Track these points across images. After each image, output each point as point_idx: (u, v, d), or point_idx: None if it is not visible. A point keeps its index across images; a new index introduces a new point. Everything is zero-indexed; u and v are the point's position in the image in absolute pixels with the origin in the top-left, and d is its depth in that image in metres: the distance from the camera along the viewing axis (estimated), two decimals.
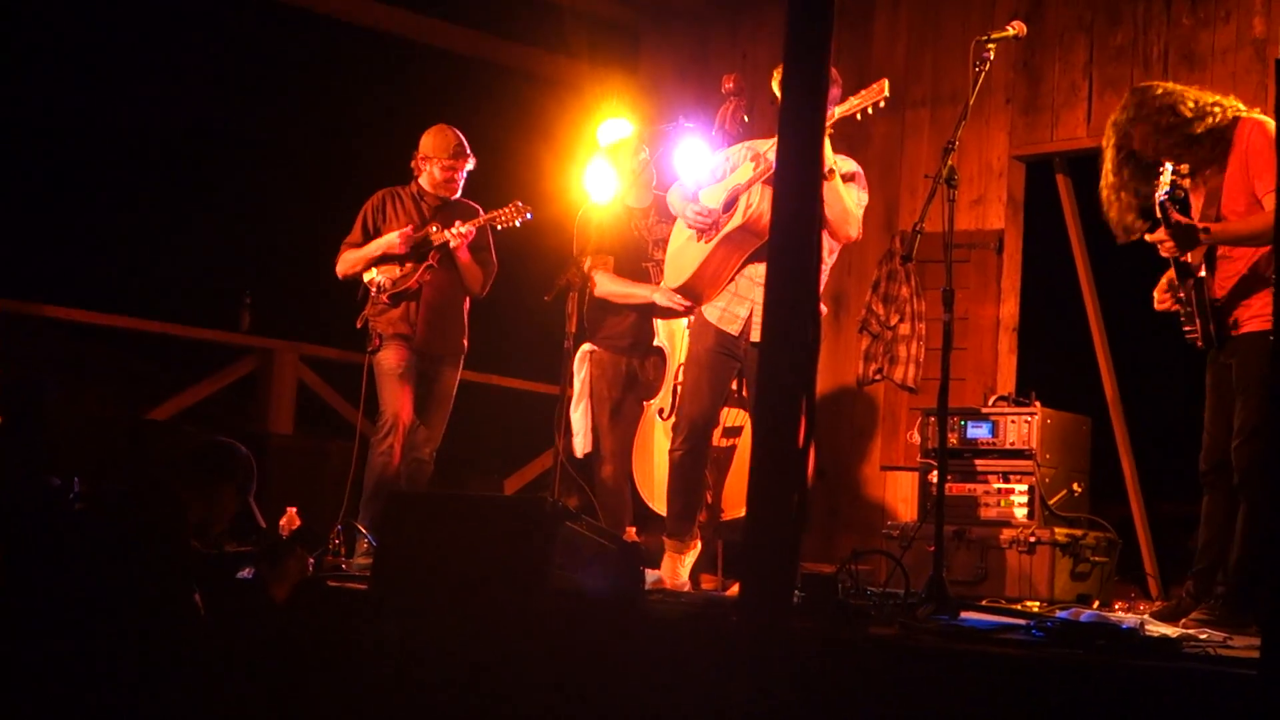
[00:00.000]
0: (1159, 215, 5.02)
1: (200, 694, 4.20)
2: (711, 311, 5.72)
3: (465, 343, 6.78)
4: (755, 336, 5.59)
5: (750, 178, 5.59)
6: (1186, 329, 5.17)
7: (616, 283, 6.53)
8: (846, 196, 5.51)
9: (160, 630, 4.19)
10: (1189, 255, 5.07)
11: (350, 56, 8.94)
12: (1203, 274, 5.06)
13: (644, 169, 6.69)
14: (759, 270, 5.60)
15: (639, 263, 6.56)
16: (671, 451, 5.83)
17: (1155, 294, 5.31)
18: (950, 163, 4.97)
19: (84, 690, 4.12)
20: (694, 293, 5.79)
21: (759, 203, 5.52)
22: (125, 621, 4.18)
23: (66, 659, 4.14)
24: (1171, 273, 5.15)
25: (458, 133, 6.72)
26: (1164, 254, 5.06)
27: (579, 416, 6.63)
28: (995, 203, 7.92)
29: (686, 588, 5.72)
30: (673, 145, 6.67)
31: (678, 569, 5.76)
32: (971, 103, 5.10)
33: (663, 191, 6.61)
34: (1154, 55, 7.24)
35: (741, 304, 5.65)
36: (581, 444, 6.62)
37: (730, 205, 5.66)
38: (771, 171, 5.55)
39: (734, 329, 5.65)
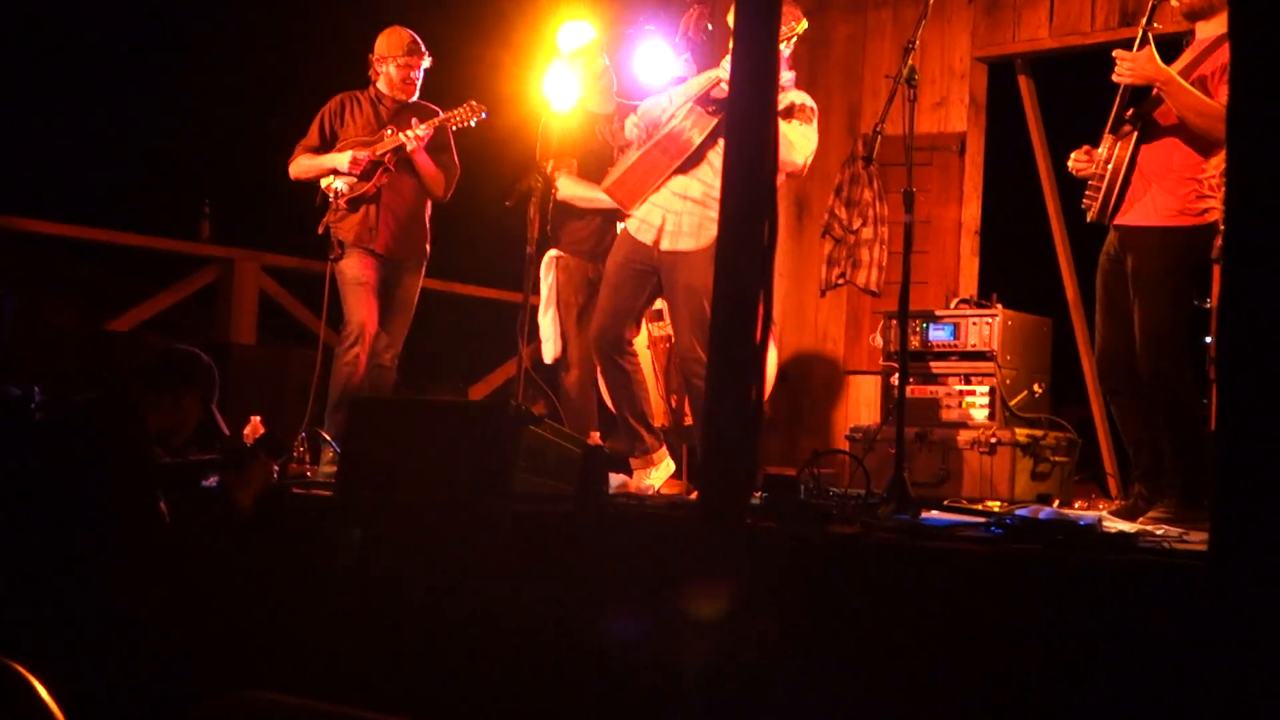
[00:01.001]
0: (1140, 35, 4.98)
1: (165, 601, 4.22)
2: (631, 223, 5.80)
3: (427, 248, 6.75)
4: (666, 244, 5.65)
5: (699, 87, 5.62)
6: (1087, 195, 5.14)
7: (579, 185, 6.53)
8: (784, 129, 5.50)
9: (125, 537, 4.20)
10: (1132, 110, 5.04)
11: None
12: (1130, 134, 5.03)
13: (606, 74, 6.65)
14: (681, 182, 5.68)
15: (602, 168, 6.53)
16: (600, 371, 5.91)
17: (1074, 154, 5.28)
18: (911, 62, 4.95)
19: (48, 598, 4.13)
20: (618, 197, 5.84)
21: (683, 120, 5.59)
22: (89, 529, 4.19)
23: (30, 568, 4.15)
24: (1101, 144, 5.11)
25: (412, 32, 6.66)
26: (1117, 74, 4.98)
27: (547, 322, 6.64)
28: (957, 105, 7.91)
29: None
30: (634, 50, 6.63)
31: (643, 479, 5.81)
32: (932, 2, 5.06)
33: (624, 98, 6.58)
34: None
35: (655, 212, 5.70)
36: (550, 350, 6.64)
37: (658, 125, 5.71)
38: (703, 92, 5.58)
39: (647, 238, 5.72)
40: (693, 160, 5.68)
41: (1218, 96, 4.85)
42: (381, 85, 6.68)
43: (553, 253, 6.70)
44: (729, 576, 2.27)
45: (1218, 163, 4.96)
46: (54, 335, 7.25)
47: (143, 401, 4.59)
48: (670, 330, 6.40)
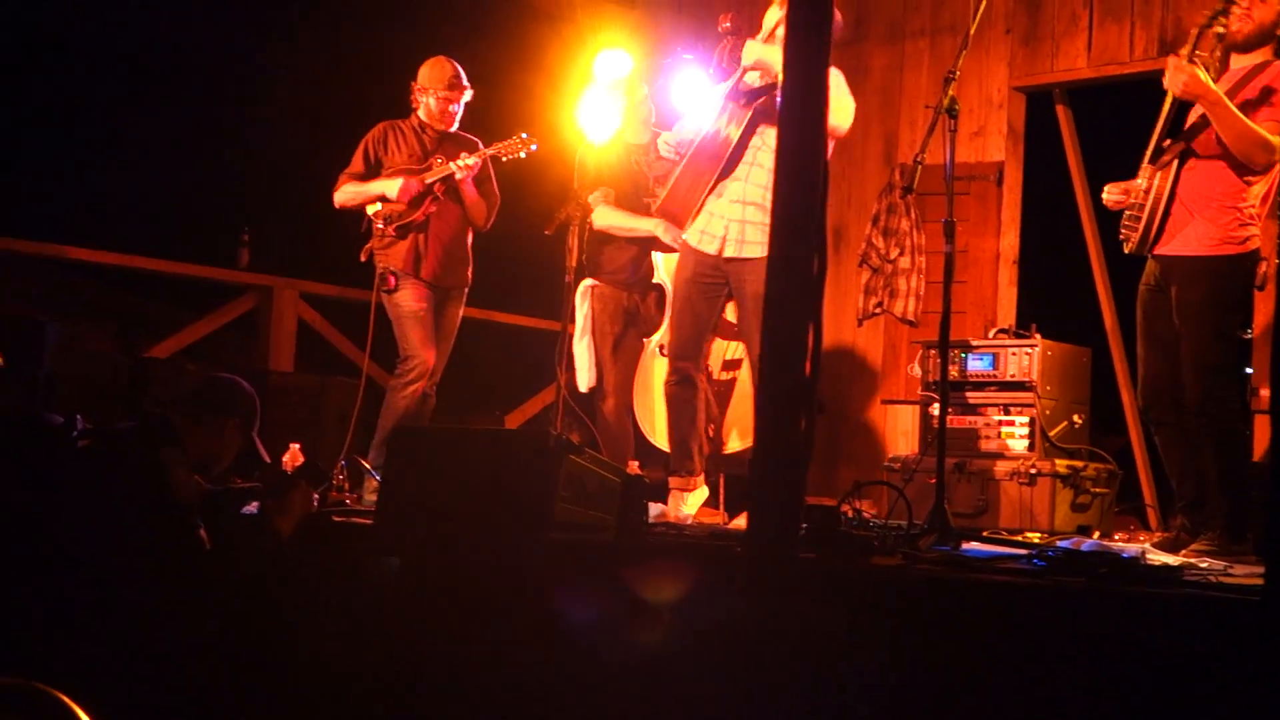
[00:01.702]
0: (1189, 45, 4.98)
1: (205, 628, 4.23)
2: (691, 235, 5.80)
3: (469, 275, 6.78)
4: (730, 251, 5.64)
5: (750, 84, 5.64)
6: (1125, 227, 5.13)
7: (618, 215, 6.54)
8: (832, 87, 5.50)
9: (165, 564, 4.22)
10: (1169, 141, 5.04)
11: None
12: (1170, 164, 5.03)
13: (644, 104, 6.67)
14: (735, 188, 5.67)
15: (640, 198, 6.56)
16: (665, 386, 5.88)
17: (1109, 187, 5.28)
18: (951, 93, 4.95)
19: (90, 626, 4.15)
20: (671, 214, 5.85)
21: (716, 120, 5.59)
22: (129, 557, 4.21)
23: (72, 596, 4.16)
24: (1137, 179, 5.11)
25: (455, 64, 6.70)
26: (1170, 81, 4.97)
27: (582, 351, 6.64)
28: (995, 134, 7.90)
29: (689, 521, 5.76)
30: (671, 79, 6.66)
31: (680, 507, 5.80)
32: (972, 32, 5.06)
33: (660, 128, 6.60)
34: None
35: (717, 222, 5.70)
36: (585, 379, 6.64)
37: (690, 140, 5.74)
38: (735, 89, 5.59)
39: (712, 248, 5.70)
40: (736, 159, 5.67)
41: (1256, 120, 4.85)
42: (423, 114, 6.72)
43: (588, 282, 6.71)
44: (776, 604, 2.26)
45: (1259, 190, 4.94)
46: (94, 363, 7.29)
47: (184, 429, 4.61)
48: (708, 361, 6.40)
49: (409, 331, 6.49)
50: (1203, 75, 4.90)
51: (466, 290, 6.77)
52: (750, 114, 5.61)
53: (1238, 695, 3.07)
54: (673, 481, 5.84)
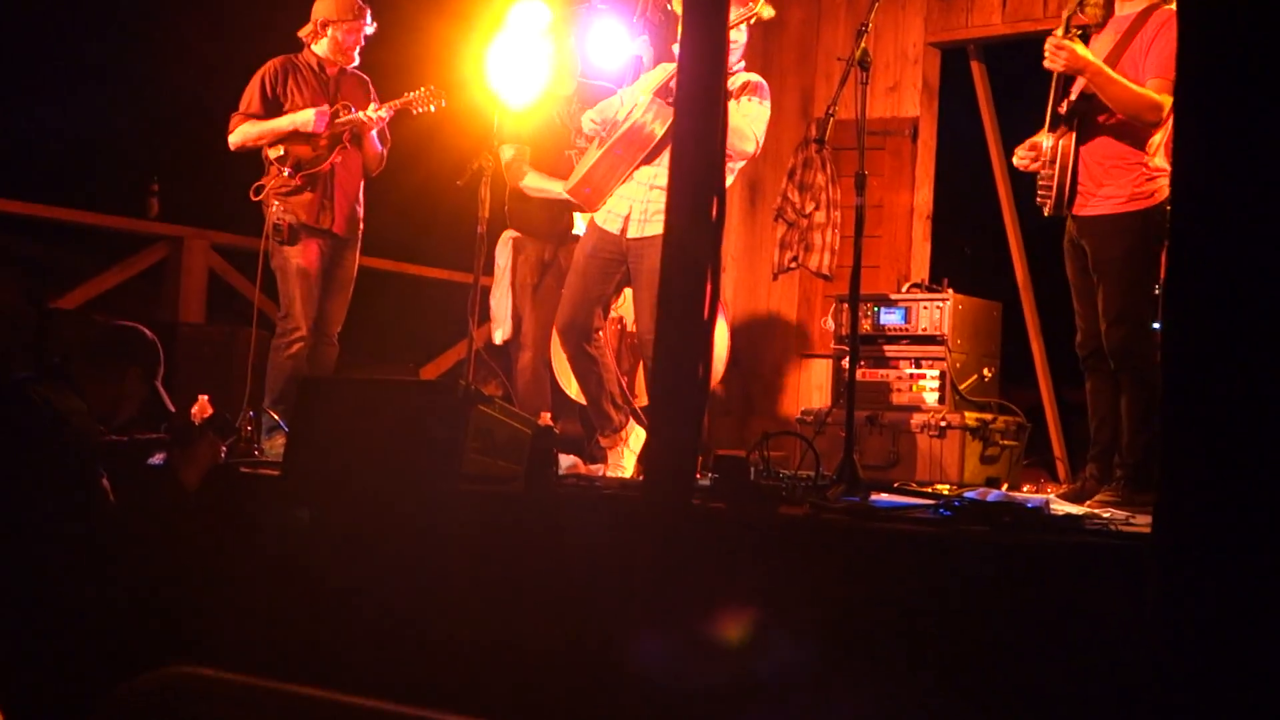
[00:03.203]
0: (1064, 23, 5.08)
1: (110, 580, 4.18)
2: (599, 214, 5.80)
3: (362, 223, 6.70)
4: (633, 232, 5.65)
5: (652, 83, 5.62)
6: (1040, 193, 5.20)
7: (542, 180, 6.45)
8: (735, 113, 5.51)
9: (67, 515, 4.16)
10: (1065, 103, 5.09)
11: None
12: (1064, 135, 5.09)
13: (569, 54, 6.61)
14: (648, 172, 5.68)
15: (560, 150, 6.49)
16: (568, 362, 5.90)
17: (1018, 150, 5.34)
18: (864, 44, 4.94)
19: None
20: (583, 195, 5.83)
21: (643, 114, 5.58)
22: (29, 509, 4.14)
23: None
24: (1039, 135, 5.17)
25: None
26: (1049, 60, 5.04)
27: (501, 302, 6.60)
28: (910, 89, 7.92)
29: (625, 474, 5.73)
30: (588, 29, 6.60)
31: (619, 462, 5.78)
32: None
33: (584, 78, 6.55)
34: None
35: (623, 203, 5.70)
36: (503, 331, 6.60)
37: (616, 123, 5.70)
38: (662, 85, 5.57)
39: (614, 227, 5.72)
40: (655, 154, 5.66)
41: (1144, 76, 4.90)
42: (320, 49, 6.56)
43: (509, 233, 6.66)
44: (677, 557, 2.26)
45: (1159, 139, 4.99)
46: None
47: (84, 378, 4.53)
48: (621, 313, 6.39)
49: (293, 288, 6.38)
50: (1080, 50, 4.98)
51: (360, 238, 6.69)
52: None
53: (1136, 638, 3.11)
54: (604, 443, 5.84)
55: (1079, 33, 5.11)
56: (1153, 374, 5.00)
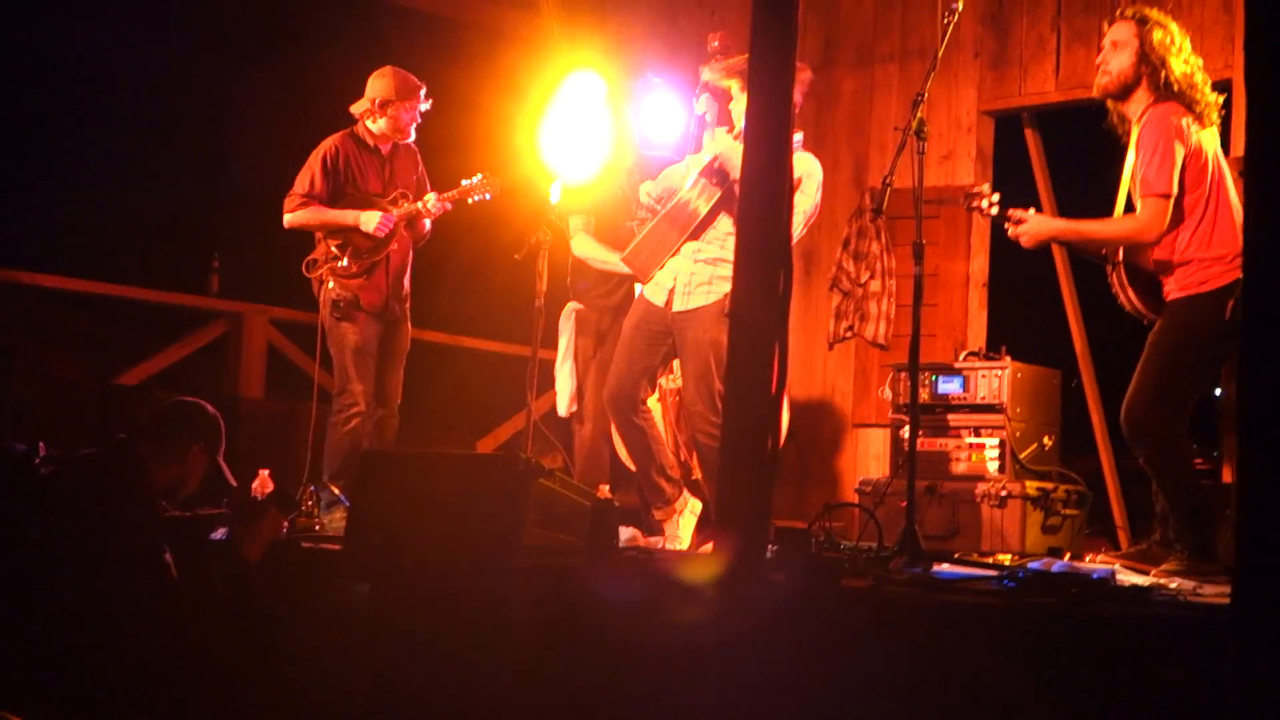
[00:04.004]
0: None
1: (173, 654, 4.19)
2: (648, 287, 5.83)
3: (409, 298, 6.78)
4: (678, 305, 5.67)
5: (708, 162, 5.65)
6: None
7: (595, 247, 6.52)
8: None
9: (131, 591, 4.18)
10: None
11: (314, 14, 8.85)
12: (1119, 258, 5.14)
13: (627, 125, 6.66)
14: (690, 246, 5.68)
15: (622, 221, 6.52)
16: (616, 431, 5.90)
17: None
18: (920, 114, 4.96)
19: (56, 656, 4.11)
20: (634, 267, 5.87)
21: (689, 190, 5.62)
22: (95, 585, 4.17)
23: (37, 626, 4.12)
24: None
25: (410, 74, 6.67)
26: (1023, 243, 5.23)
27: (564, 375, 6.64)
28: (965, 158, 7.93)
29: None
30: (641, 103, 6.66)
31: (675, 533, 5.75)
32: (940, 54, 5.08)
33: (643, 149, 6.60)
34: (1122, 4, 7.20)
35: (668, 275, 5.73)
36: (565, 403, 6.62)
37: (672, 193, 5.74)
38: (710, 166, 5.60)
39: (659, 300, 5.74)
40: (700, 230, 5.70)
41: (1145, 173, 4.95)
42: (376, 127, 6.62)
43: (573, 305, 6.71)
44: (746, 626, 2.25)
45: (1186, 236, 4.97)
46: (63, 391, 7.24)
47: (148, 454, 4.58)
48: (681, 384, 6.38)
49: (351, 365, 6.44)
50: (1035, 225, 5.18)
51: (409, 309, 6.75)
52: (720, 194, 5.63)
53: (1206, 713, 3.06)
54: (657, 514, 5.81)
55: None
56: (1171, 449, 4.96)
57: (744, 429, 2.19)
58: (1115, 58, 5.11)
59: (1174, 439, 4.94)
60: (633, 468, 6.27)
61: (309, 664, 4.55)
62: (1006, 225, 5.23)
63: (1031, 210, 5.25)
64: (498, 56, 8.51)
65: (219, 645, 4.31)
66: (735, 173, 5.41)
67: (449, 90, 7.08)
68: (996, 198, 5.26)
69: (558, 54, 6.86)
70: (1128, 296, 5.14)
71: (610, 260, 6.42)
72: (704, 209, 5.65)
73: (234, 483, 4.96)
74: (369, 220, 6.48)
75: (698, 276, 5.63)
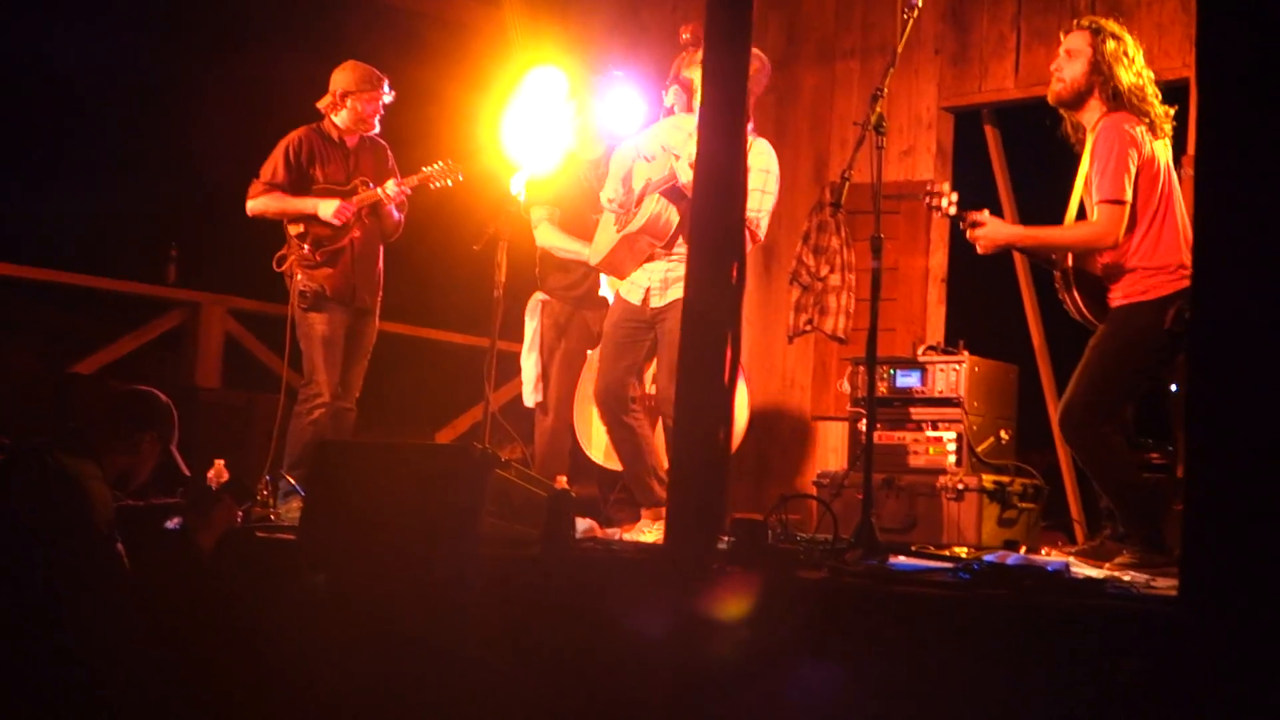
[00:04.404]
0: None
1: (125, 644, 4.17)
2: (623, 286, 5.94)
3: (381, 288, 6.79)
4: (655, 301, 5.76)
5: (660, 179, 5.64)
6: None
7: (559, 236, 6.54)
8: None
9: (83, 580, 4.16)
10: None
11: (275, 8, 8.82)
12: (1069, 263, 5.19)
13: (592, 119, 6.66)
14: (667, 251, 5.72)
15: (587, 214, 6.51)
16: (607, 431, 5.91)
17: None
18: (879, 110, 4.97)
19: (4, 644, 4.08)
20: (608, 271, 6.00)
21: (657, 204, 5.64)
22: (45, 573, 4.14)
23: None
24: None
25: (369, 65, 6.68)
26: (980, 248, 5.26)
27: (529, 365, 6.65)
28: (924, 154, 7.95)
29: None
30: (604, 97, 6.65)
31: (644, 532, 5.76)
32: (900, 49, 5.11)
33: (609, 142, 6.60)
34: (1081, 5, 7.25)
35: (642, 274, 5.79)
36: (531, 393, 6.62)
37: (640, 200, 5.75)
38: (673, 188, 5.62)
39: (635, 298, 5.80)
40: (674, 238, 5.75)
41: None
42: (340, 120, 6.67)
43: (539, 296, 6.71)
44: (694, 617, 2.25)
45: (1137, 241, 5.01)
46: (17, 379, 7.19)
47: (100, 443, 4.55)
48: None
49: (316, 355, 6.49)
50: (992, 231, 5.20)
51: (379, 304, 6.77)
52: (687, 201, 5.65)
53: (1162, 702, 3.08)
54: (645, 515, 5.82)
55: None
56: (1105, 450, 5.01)
57: (696, 418, 2.19)
58: (1069, 66, 5.16)
59: (1106, 440, 4.99)
60: (598, 460, 6.29)
61: (266, 653, 4.54)
62: (963, 226, 5.25)
63: (987, 213, 5.27)
64: (459, 49, 8.50)
65: (172, 635, 4.28)
66: (686, 181, 5.48)
67: (410, 82, 7.08)
68: (955, 197, 5.28)
69: (519, 47, 6.84)
70: (1075, 302, 5.18)
71: (573, 249, 6.43)
72: (675, 219, 5.69)
73: (187, 472, 4.93)
74: (326, 207, 6.51)
75: (674, 272, 5.69)
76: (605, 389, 5.82)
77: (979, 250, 5.24)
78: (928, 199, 5.37)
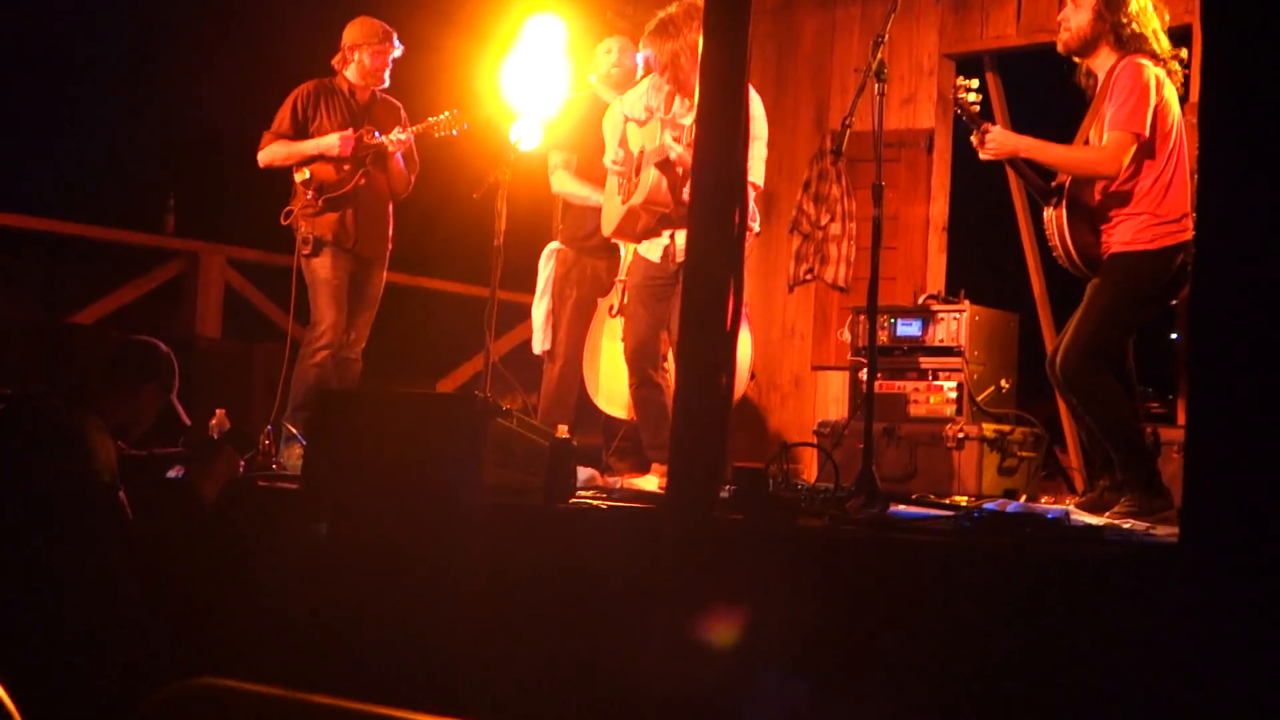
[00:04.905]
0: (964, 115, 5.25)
1: (128, 593, 4.18)
2: (642, 245, 5.92)
3: (390, 243, 6.79)
4: (679, 257, 5.70)
5: (653, 150, 5.63)
6: (1060, 261, 5.26)
7: (573, 183, 6.52)
8: None
9: (84, 529, 4.16)
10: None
11: None
12: (1064, 199, 5.16)
13: (615, 64, 6.65)
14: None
15: (600, 161, 6.49)
16: (629, 389, 5.90)
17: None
18: (880, 56, 4.94)
19: (7, 597, 4.09)
20: (622, 238, 6.05)
21: (655, 179, 5.63)
22: (47, 524, 4.14)
23: None
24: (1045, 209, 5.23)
25: (382, 21, 6.68)
26: (983, 153, 5.21)
27: (540, 313, 6.65)
28: (926, 101, 7.92)
29: None
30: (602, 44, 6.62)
31: (649, 483, 5.78)
32: None
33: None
34: None
35: (664, 234, 5.75)
36: (540, 340, 6.63)
37: (639, 167, 5.73)
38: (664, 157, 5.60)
39: (655, 256, 5.83)
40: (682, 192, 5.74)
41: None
42: (351, 74, 6.70)
43: (553, 245, 6.70)
44: (696, 567, 2.25)
45: (1146, 184, 4.98)
46: (16, 330, 7.19)
47: (100, 393, 4.55)
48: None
49: (320, 298, 6.52)
50: (1000, 137, 5.14)
51: (387, 257, 6.77)
52: (686, 168, 5.64)
53: (1162, 648, 3.10)
54: (655, 469, 5.82)
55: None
56: (1101, 394, 5.00)
57: (698, 366, 2.19)
58: (1075, 15, 5.13)
59: (1101, 385, 4.98)
60: (606, 409, 6.30)
61: (267, 602, 4.55)
62: (974, 130, 5.21)
63: (997, 126, 5.27)
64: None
65: (174, 585, 4.30)
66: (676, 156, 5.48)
67: (411, 32, 7.04)
68: (979, 98, 5.26)
69: None
70: (1064, 244, 5.14)
71: (590, 196, 6.41)
72: (676, 184, 5.69)
73: (188, 421, 4.93)
74: (328, 141, 6.54)
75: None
76: (637, 345, 5.82)
77: (984, 156, 5.19)
78: (955, 90, 5.33)
